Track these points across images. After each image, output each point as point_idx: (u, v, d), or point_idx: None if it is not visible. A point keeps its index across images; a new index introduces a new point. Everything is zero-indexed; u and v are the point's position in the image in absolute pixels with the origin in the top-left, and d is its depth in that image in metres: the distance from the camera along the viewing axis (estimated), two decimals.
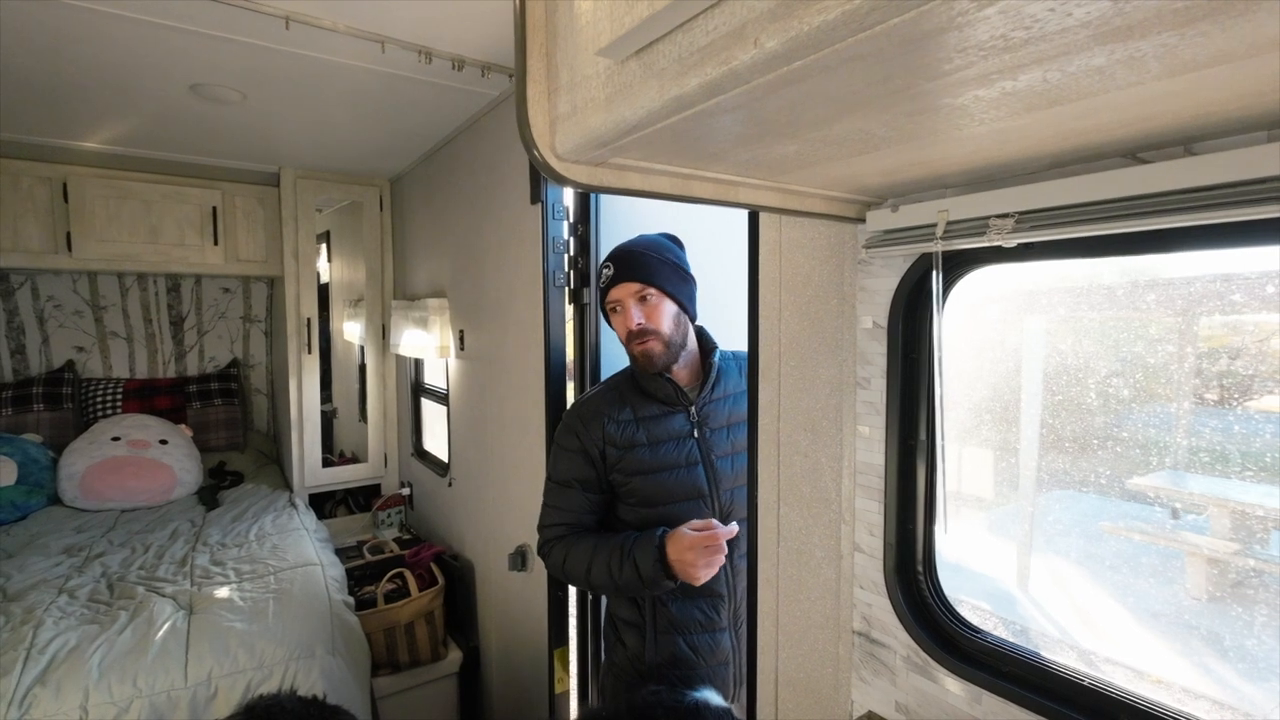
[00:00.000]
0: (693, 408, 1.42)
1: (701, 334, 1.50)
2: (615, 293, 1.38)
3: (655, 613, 1.40)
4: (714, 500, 1.39)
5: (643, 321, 1.36)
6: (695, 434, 1.41)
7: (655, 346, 1.37)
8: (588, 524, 1.43)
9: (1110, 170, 0.62)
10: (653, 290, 1.37)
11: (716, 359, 1.46)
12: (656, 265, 1.39)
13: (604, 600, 1.66)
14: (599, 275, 1.44)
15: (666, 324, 1.38)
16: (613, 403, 1.43)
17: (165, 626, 1.78)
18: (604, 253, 1.88)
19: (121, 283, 3.38)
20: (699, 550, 1.23)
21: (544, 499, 1.47)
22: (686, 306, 1.42)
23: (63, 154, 2.57)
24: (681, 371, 1.44)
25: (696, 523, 1.28)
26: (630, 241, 1.44)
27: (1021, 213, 0.68)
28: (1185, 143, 0.59)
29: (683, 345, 1.42)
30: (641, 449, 1.39)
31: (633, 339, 1.38)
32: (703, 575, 1.23)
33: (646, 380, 1.41)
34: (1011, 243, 0.69)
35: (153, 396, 3.34)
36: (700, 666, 1.39)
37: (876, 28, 0.33)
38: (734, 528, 1.24)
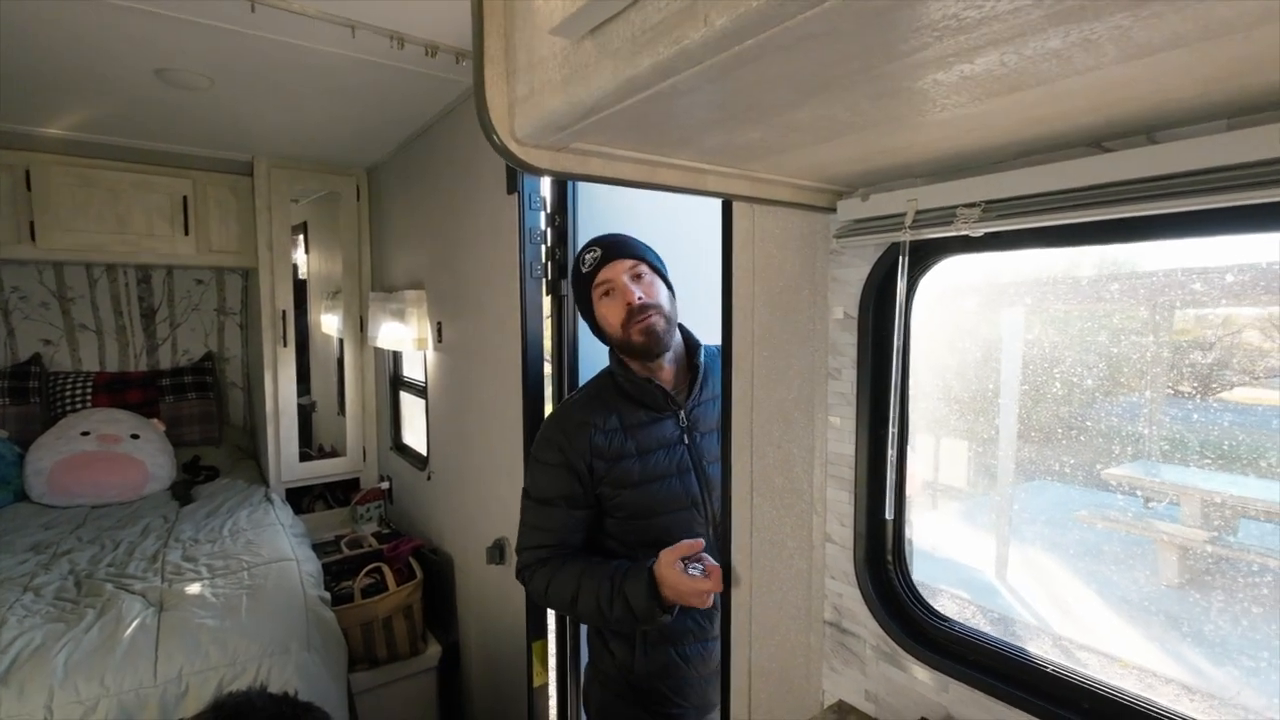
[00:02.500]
0: (682, 412, 1.35)
1: (684, 331, 1.42)
2: (606, 273, 1.31)
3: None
4: (706, 508, 1.32)
5: (643, 296, 1.30)
6: (685, 439, 1.34)
7: (658, 321, 1.30)
8: (574, 544, 1.33)
9: (1075, 159, 0.62)
10: (645, 266, 1.33)
11: (703, 357, 1.39)
12: (643, 247, 1.36)
13: None
14: (577, 264, 1.37)
15: (664, 300, 1.33)
16: (597, 411, 1.33)
17: (134, 624, 1.74)
18: (582, 244, 1.87)
19: (90, 274, 3.30)
20: (691, 584, 1.13)
21: (522, 517, 1.36)
22: (673, 293, 1.38)
23: (25, 140, 2.49)
24: (668, 371, 1.38)
25: (685, 549, 1.15)
26: (605, 234, 1.40)
27: (988, 202, 0.68)
28: (1148, 131, 0.59)
29: (673, 330, 1.35)
30: (630, 460, 1.30)
31: (633, 317, 1.29)
32: (701, 599, 1.15)
33: (633, 385, 1.34)
34: (978, 232, 0.68)
35: (124, 390, 3.27)
36: (691, 675, 1.34)
37: (826, 4, 0.32)
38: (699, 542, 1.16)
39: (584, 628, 1.96)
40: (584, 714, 1.52)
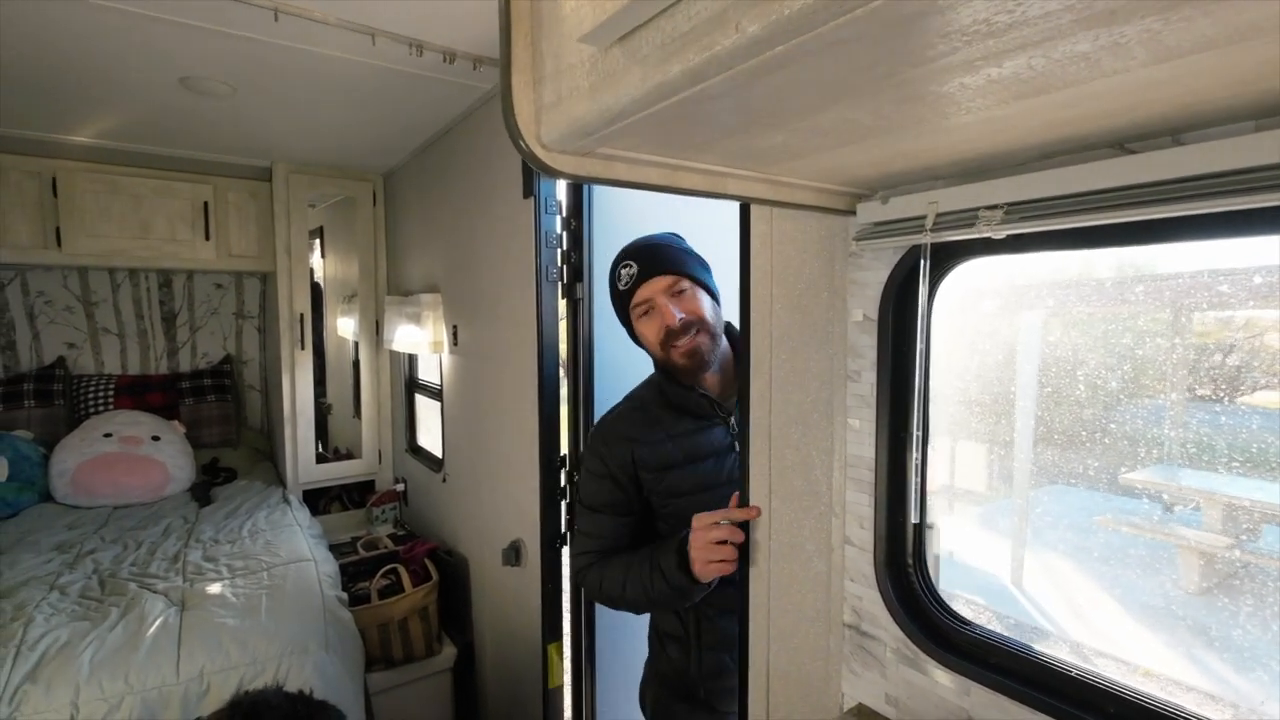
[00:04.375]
0: (732, 418, 1.27)
1: (731, 331, 1.33)
2: (644, 291, 1.23)
3: (700, 627, 1.32)
4: None
5: (684, 315, 1.22)
6: (737, 447, 1.25)
7: (703, 341, 1.23)
8: (622, 548, 1.31)
9: (1099, 161, 0.62)
10: (686, 281, 1.24)
11: None
12: (683, 255, 1.27)
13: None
14: (613, 279, 1.31)
15: (708, 314, 1.26)
16: (638, 424, 1.30)
17: (157, 623, 1.77)
18: (597, 247, 1.88)
19: (113, 278, 3.36)
20: (705, 535, 1.09)
21: (576, 523, 1.38)
22: (718, 299, 1.31)
23: (52, 148, 2.55)
24: (714, 378, 1.30)
25: (719, 514, 1.12)
26: (642, 238, 1.34)
27: (1010, 204, 0.68)
28: (1173, 133, 0.59)
29: (718, 343, 1.28)
30: (677, 470, 1.26)
31: (674, 339, 1.22)
32: (711, 565, 1.10)
33: (676, 394, 1.28)
34: (1000, 234, 0.68)
35: (145, 393, 3.32)
36: None
37: (857, 11, 0.33)
38: (753, 509, 1.08)
39: (601, 629, 1.97)
40: (641, 712, 1.52)
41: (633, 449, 1.28)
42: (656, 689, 1.45)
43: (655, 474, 1.28)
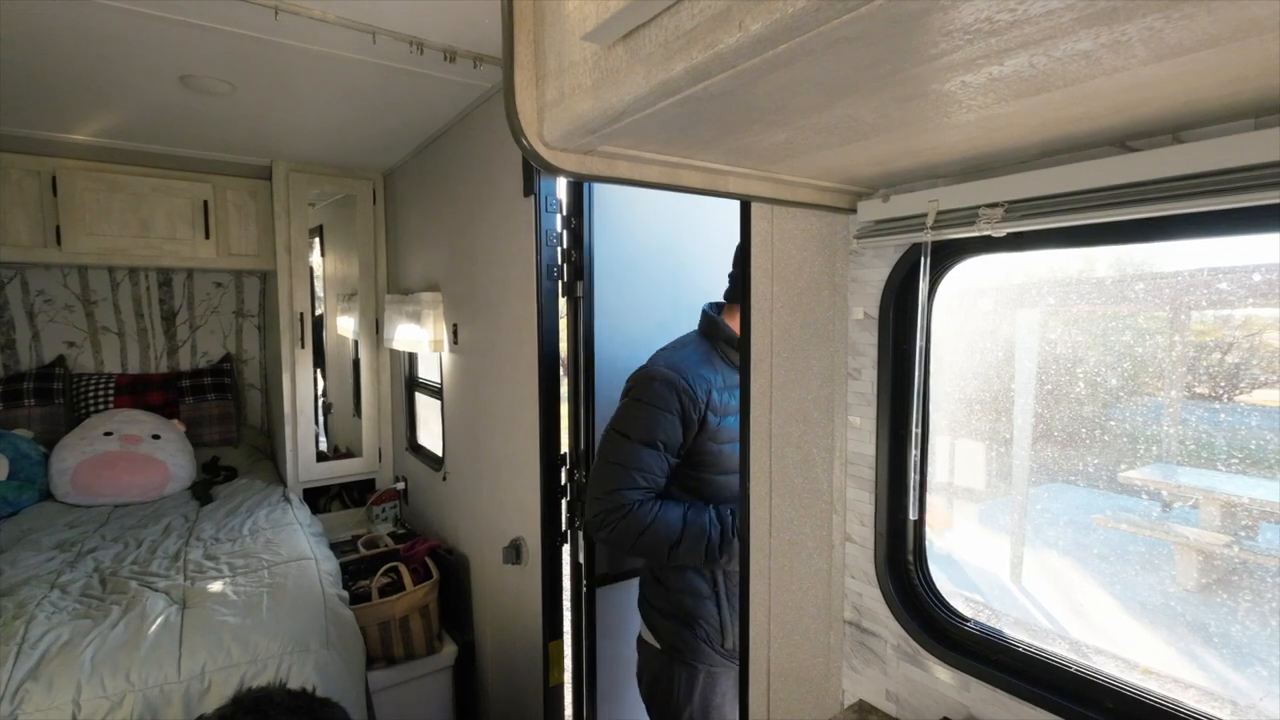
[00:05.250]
0: None
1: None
2: None
3: (727, 587, 1.44)
4: None
5: None
6: None
7: None
8: (661, 489, 1.41)
9: (1099, 159, 0.62)
10: None
11: None
12: None
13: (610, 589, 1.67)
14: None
15: None
16: (711, 370, 1.43)
17: (158, 621, 1.77)
18: (598, 245, 1.88)
19: (112, 277, 3.36)
20: None
21: (612, 458, 1.38)
22: None
23: (51, 146, 2.54)
24: None
25: None
26: None
27: (1011, 202, 0.68)
28: (1174, 130, 0.59)
29: None
30: (732, 416, 1.40)
31: None
32: None
33: (734, 344, 1.42)
34: (1001, 232, 0.69)
35: (145, 391, 3.32)
36: None
37: (861, 9, 0.33)
38: None
39: (601, 628, 1.97)
40: (642, 684, 1.62)
41: (710, 391, 1.39)
42: (646, 658, 1.54)
43: (719, 418, 1.40)
